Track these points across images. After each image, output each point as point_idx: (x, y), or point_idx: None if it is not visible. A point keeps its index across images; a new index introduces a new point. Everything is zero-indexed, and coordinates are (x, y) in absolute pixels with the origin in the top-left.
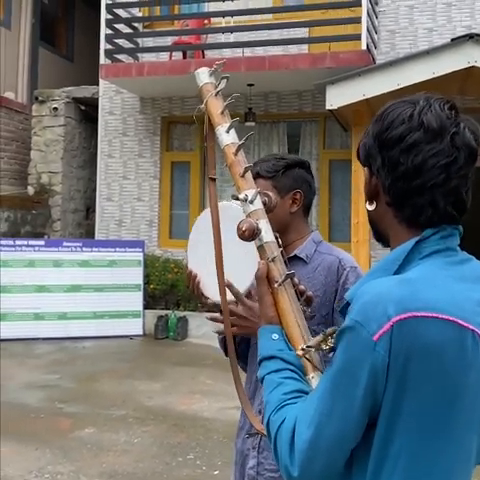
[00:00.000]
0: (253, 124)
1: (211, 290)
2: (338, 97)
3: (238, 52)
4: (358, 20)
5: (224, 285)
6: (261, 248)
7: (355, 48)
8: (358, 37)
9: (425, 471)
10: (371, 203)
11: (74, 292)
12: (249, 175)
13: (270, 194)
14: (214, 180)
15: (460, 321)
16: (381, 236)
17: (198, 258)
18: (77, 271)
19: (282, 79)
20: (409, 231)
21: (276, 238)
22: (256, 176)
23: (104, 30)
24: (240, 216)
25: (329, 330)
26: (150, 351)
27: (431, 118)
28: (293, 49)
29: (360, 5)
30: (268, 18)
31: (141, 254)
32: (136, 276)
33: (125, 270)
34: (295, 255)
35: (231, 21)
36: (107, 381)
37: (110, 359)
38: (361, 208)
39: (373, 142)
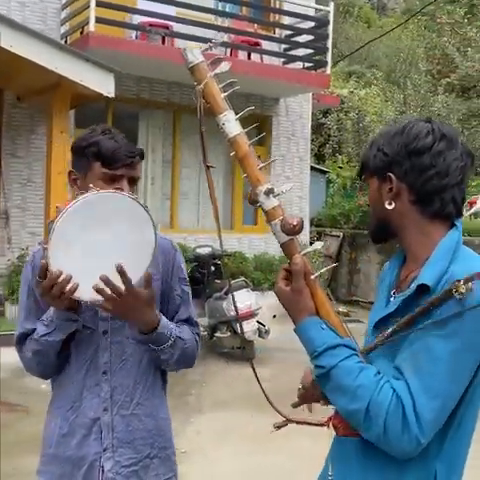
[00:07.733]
0: None
1: (87, 292)
2: None
3: None
4: None
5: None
6: (292, 242)
7: None
8: None
9: None
10: (390, 203)
11: None
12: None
13: None
14: (209, 168)
15: None
16: (388, 232)
17: (70, 257)
18: None
19: None
20: (433, 223)
21: None
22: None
23: None
24: (126, 206)
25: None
26: None
27: (449, 130)
28: None
29: None
30: None
31: None
32: None
33: None
34: None
35: None
36: None
37: None
38: None
39: (400, 151)
